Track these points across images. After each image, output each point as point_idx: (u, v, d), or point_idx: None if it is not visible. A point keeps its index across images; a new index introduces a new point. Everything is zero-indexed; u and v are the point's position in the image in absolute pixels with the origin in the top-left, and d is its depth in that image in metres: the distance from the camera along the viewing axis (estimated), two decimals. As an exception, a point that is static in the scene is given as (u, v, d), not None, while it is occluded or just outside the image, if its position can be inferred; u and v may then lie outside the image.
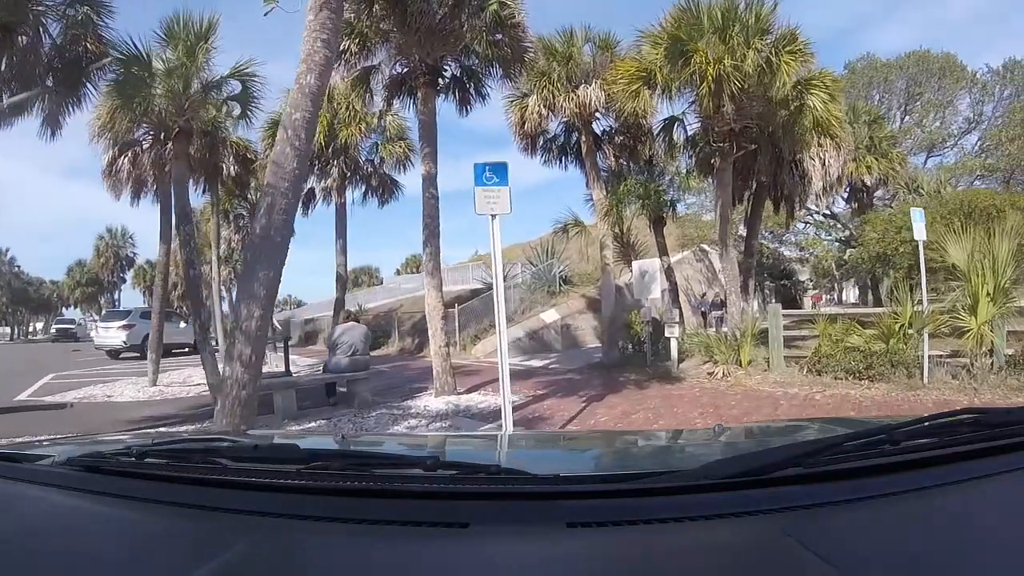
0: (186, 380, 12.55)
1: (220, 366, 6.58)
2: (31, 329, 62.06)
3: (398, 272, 48.80)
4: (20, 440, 2.57)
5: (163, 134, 10.18)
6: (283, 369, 10.02)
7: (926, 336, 7.78)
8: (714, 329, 14.24)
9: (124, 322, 20.12)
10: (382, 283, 40.84)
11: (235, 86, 9.99)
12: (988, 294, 7.53)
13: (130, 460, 1.15)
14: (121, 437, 2.06)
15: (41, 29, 8.50)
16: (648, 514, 0.85)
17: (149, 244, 58.98)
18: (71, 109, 9.46)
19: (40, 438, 1.77)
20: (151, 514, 0.98)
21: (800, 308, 19.04)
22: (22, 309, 58.78)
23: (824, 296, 28.44)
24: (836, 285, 30.36)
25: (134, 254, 50.47)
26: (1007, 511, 0.89)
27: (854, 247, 19.94)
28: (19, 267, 56.01)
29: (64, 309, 56.97)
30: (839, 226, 24.23)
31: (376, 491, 0.96)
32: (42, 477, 1.16)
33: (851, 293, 30.44)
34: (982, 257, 7.65)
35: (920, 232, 8.03)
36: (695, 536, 0.83)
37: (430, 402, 8.28)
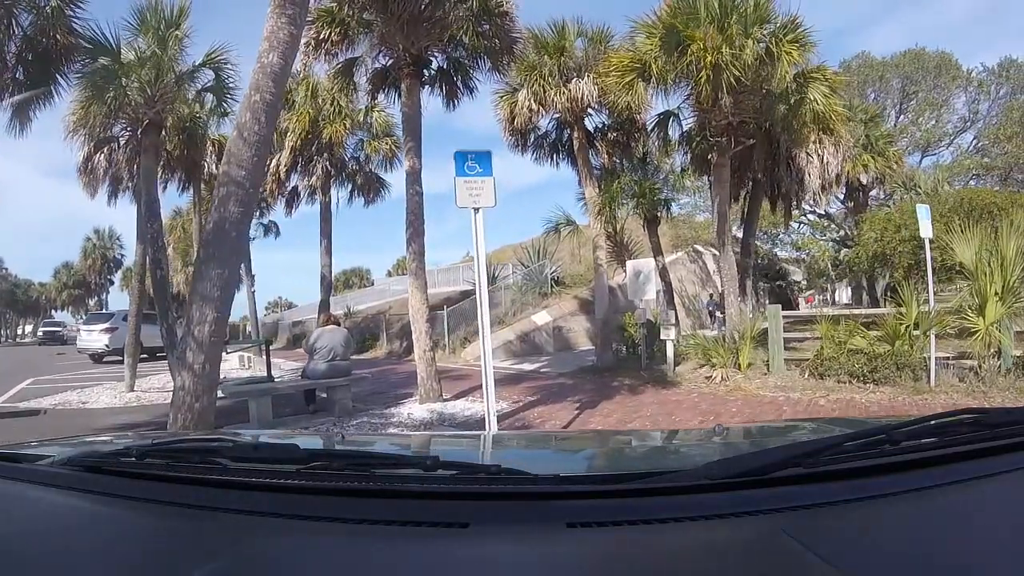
0: (165, 385, 12.10)
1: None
2: (20, 332, 61.37)
3: (389, 274, 48.27)
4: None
5: (139, 129, 9.77)
6: (266, 373, 9.63)
7: (933, 337, 7.49)
8: (717, 331, 13.91)
9: (107, 325, 19.84)
10: (373, 285, 40.47)
11: (210, 77, 9.56)
12: (996, 293, 7.30)
13: (130, 460, 1.14)
14: (105, 437, 2.06)
15: (13, 20, 8.12)
16: (648, 514, 0.85)
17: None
18: (42, 104, 9.06)
19: (31, 441, 1.66)
20: (151, 514, 0.98)
21: (794, 309, 18.77)
22: (10, 312, 58.01)
23: (817, 297, 28.33)
24: (830, 285, 30.23)
25: (122, 256, 49.26)
26: (1007, 511, 0.88)
27: (849, 247, 19.68)
28: (7, 269, 55.33)
29: (53, 312, 56.22)
30: (833, 226, 24.01)
31: (376, 491, 0.95)
32: (42, 477, 1.16)
33: (843, 293, 30.35)
34: (989, 255, 7.39)
35: (927, 229, 7.79)
36: (695, 536, 0.82)
37: (414, 409, 7.90)
